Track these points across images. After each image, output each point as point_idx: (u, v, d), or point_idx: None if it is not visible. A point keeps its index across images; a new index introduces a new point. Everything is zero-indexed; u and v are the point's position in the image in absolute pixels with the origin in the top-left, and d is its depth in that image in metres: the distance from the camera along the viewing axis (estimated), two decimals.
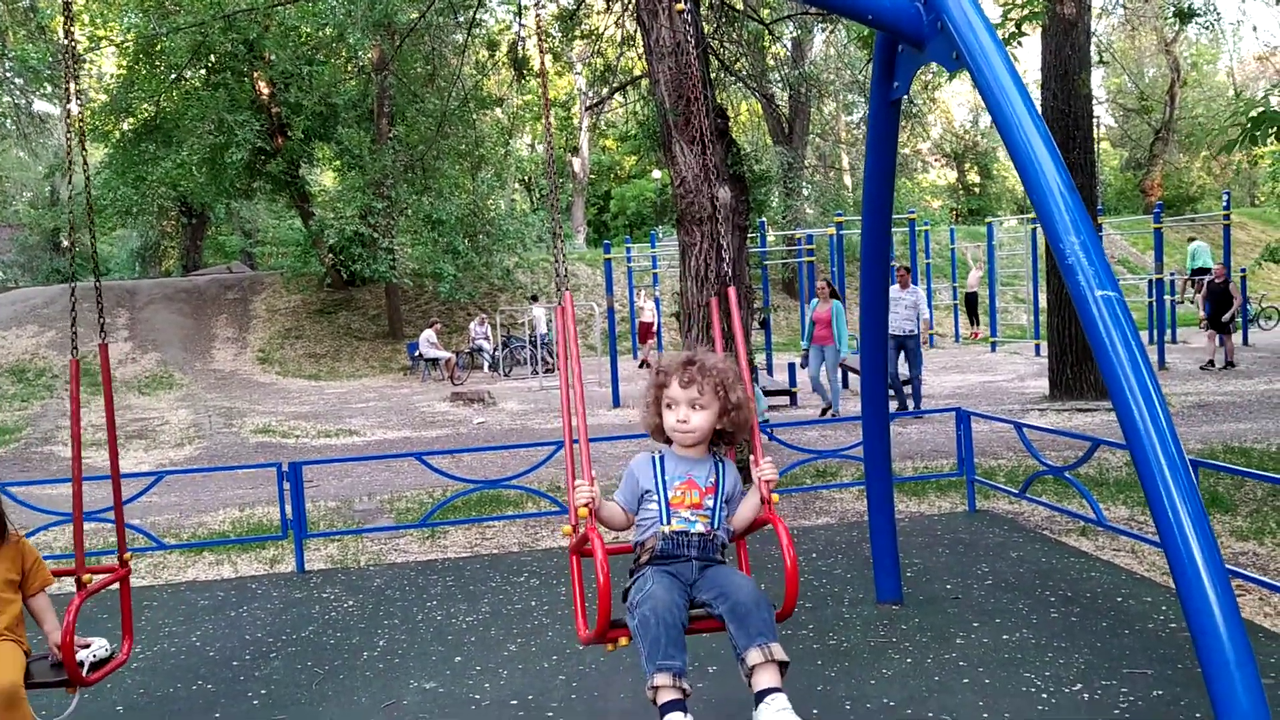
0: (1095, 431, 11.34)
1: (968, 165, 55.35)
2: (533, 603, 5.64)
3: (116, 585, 3.84)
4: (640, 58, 10.66)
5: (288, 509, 6.71)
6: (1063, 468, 6.29)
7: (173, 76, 23.52)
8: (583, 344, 25.61)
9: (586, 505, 2.98)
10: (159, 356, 24.50)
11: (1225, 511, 6.86)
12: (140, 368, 23.90)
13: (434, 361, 22.83)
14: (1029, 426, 6.89)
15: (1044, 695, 4.02)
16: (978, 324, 27.53)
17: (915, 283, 14.17)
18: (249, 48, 23.18)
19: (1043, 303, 19.43)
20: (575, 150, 42.41)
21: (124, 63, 25.61)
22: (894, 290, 12.89)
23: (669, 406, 3.12)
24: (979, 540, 6.40)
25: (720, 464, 3.17)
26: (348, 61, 25.78)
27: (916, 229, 23.78)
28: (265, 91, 24.79)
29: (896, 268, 13.47)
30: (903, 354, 13.51)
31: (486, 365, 24.07)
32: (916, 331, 13.41)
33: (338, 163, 27.16)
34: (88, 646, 3.61)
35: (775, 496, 3.14)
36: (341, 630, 5.38)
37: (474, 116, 22.62)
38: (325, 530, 7.79)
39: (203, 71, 24.94)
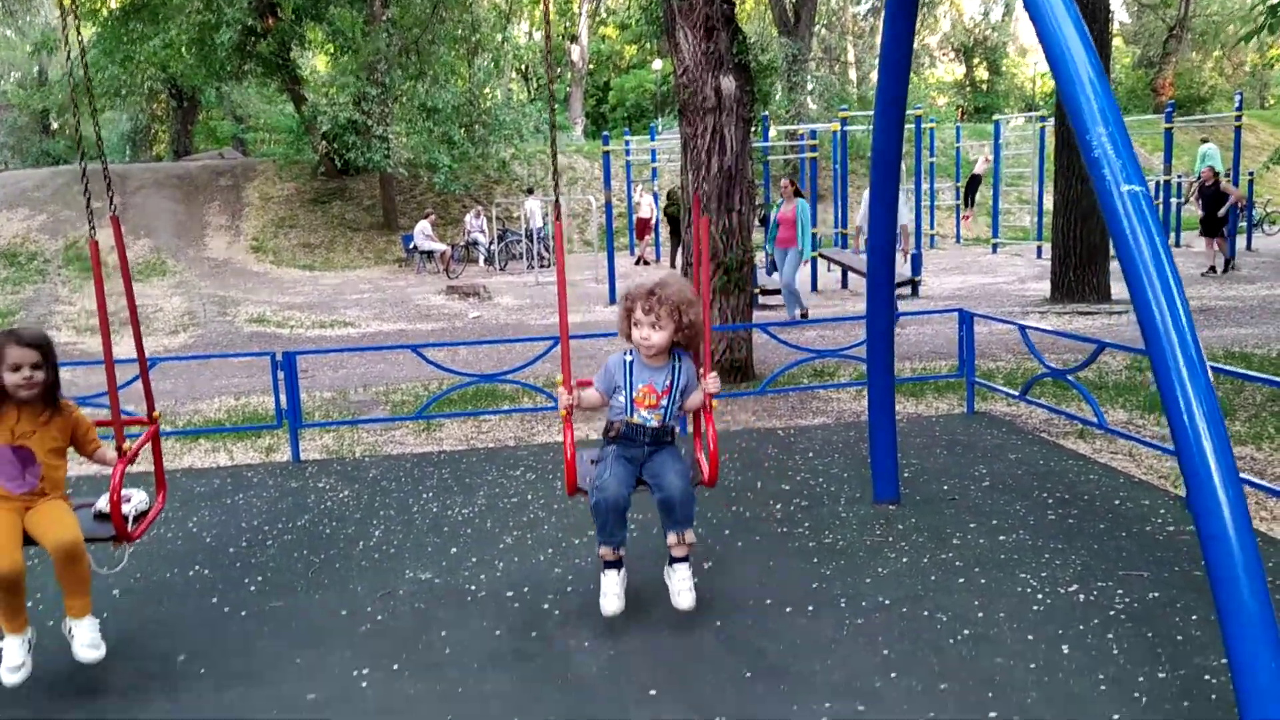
0: (1096, 335, 11.29)
1: (977, 60, 54.19)
2: (529, 496, 5.63)
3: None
4: None
5: (282, 399, 6.66)
6: (1065, 370, 6.23)
7: None
8: (580, 239, 25.37)
9: (566, 410, 3.79)
10: (151, 243, 24.26)
11: (1224, 416, 6.83)
12: (132, 254, 23.63)
13: (429, 254, 22.63)
14: (1032, 328, 6.80)
15: (1039, 596, 4.02)
16: (972, 207, 27.27)
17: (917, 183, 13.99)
18: None
19: (1048, 204, 19.22)
20: (574, 38, 41.45)
21: None
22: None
23: (635, 324, 3.74)
24: (977, 442, 6.38)
25: (678, 363, 3.83)
26: None
27: (922, 126, 23.23)
28: None
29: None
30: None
31: (482, 259, 23.88)
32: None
33: (330, 46, 26.49)
34: (129, 501, 3.85)
35: (715, 403, 3.92)
36: (337, 520, 5.37)
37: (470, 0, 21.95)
38: (321, 420, 7.76)
39: None
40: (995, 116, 26.33)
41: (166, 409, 8.98)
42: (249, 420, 8.11)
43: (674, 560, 3.82)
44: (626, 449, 3.79)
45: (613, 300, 16.37)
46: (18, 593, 3.37)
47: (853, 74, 47.61)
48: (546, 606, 4.14)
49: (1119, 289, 15.39)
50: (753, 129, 10.11)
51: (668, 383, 3.78)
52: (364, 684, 3.54)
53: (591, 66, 46.27)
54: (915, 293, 16.26)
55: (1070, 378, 6.11)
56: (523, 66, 42.19)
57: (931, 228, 26.76)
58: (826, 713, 3.23)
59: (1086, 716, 3.15)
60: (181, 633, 4.03)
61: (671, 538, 3.78)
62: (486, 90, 26.52)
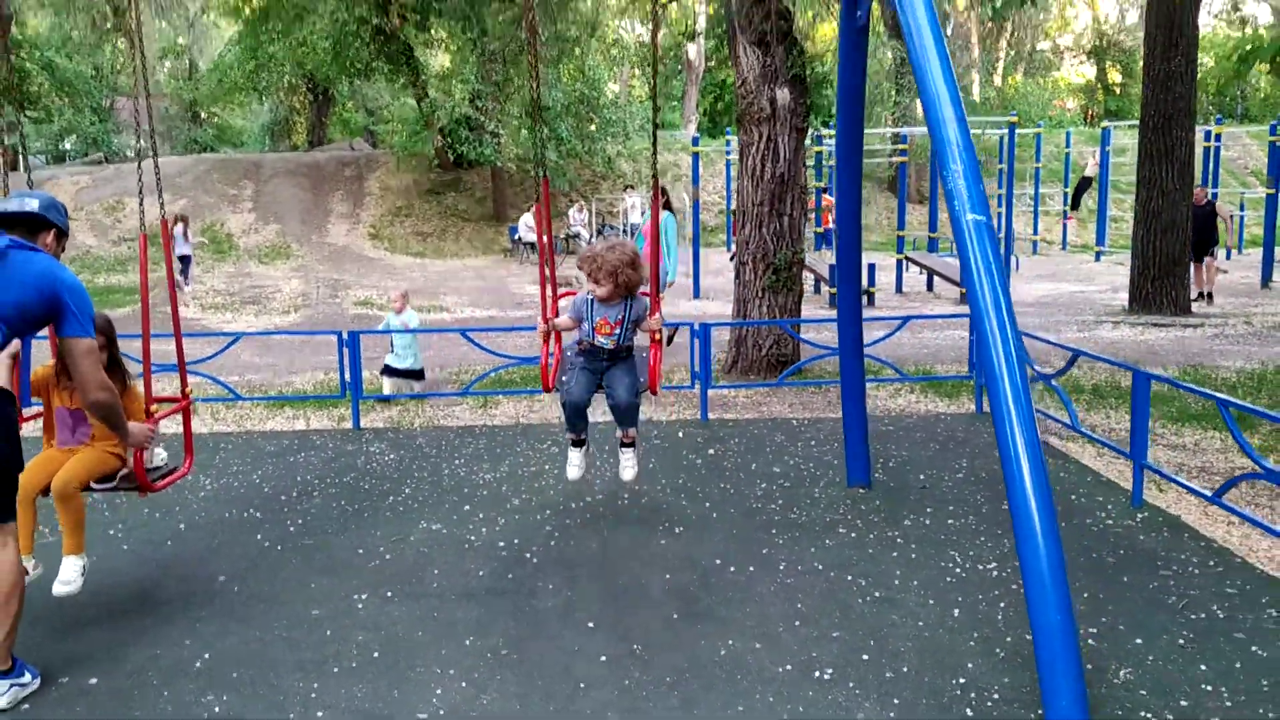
0: (1165, 347, 11.43)
1: (1109, 63, 52.71)
2: (546, 466, 6.32)
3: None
4: None
5: (346, 373, 7.50)
6: (1049, 375, 6.60)
7: None
8: (681, 235, 26.01)
9: (543, 334, 5.00)
10: (279, 228, 25.86)
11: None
12: (261, 238, 25.31)
13: (532, 245, 23.58)
14: (1029, 335, 7.16)
15: (957, 570, 4.52)
16: (1077, 209, 26.86)
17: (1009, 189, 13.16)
18: None
19: None
20: (692, 36, 41.93)
21: None
22: None
23: (589, 279, 4.77)
24: (972, 439, 6.81)
25: (628, 304, 4.81)
26: None
27: (1016, 132, 23.07)
28: None
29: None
30: None
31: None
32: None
33: (452, 44, 27.71)
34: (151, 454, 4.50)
35: (659, 335, 4.87)
36: (377, 478, 6.16)
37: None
38: (381, 394, 8.61)
39: None
40: (1104, 123, 25.88)
41: (266, 380, 9.98)
42: (332, 392, 9.01)
43: (622, 445, 5.05)
44: (589, 361, 4.85)
45: (697, 295, 17.01)
46: (64, 511, 4.05)
47: (975, 75, 46.89)
48: (528, 555, 4.82)
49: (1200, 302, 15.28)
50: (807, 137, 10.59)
51: (619, 316, 4.80)
52: (359, 606, 4.28)
53: (712, 64, 46.70)
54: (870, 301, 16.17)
55: (1053, 382, 6.48)
56: (637, 63, 42.97)
57: (1035, 233, 26.55)
58: (727, 649, 3.82)
59: (946, 662, 3.66)
60: (227, 559, 4.85)
61: (619, 432, 5.03)
62: (595, 89, 27.29)
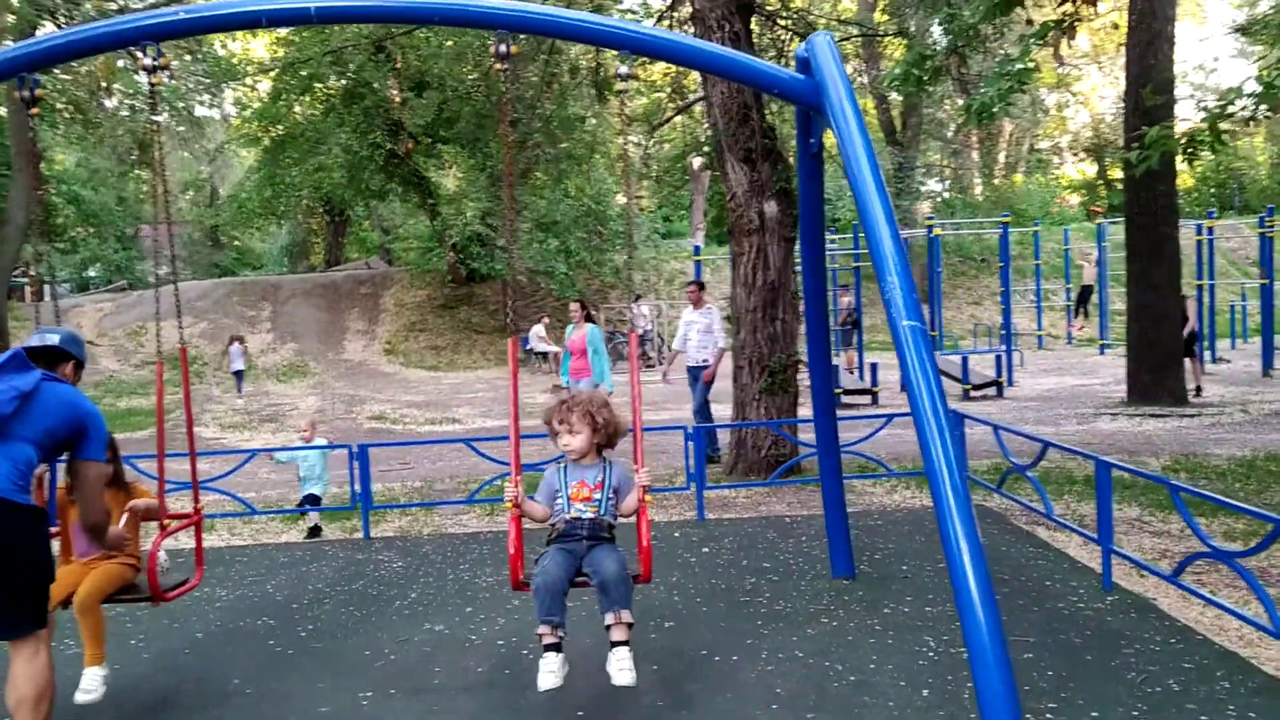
0: (1162, 437, 11.68)
1: (1109, 161, 53.78)
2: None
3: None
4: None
5: (356, 485, 7.85)
6: (1024, 466, 6.89)
7: (305, 85, 25.30)
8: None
9: (512, 500, 4.28)
10: (296, 347, 26.54)
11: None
12: (279, 357, 25.96)
13: (544, 355, 24.11)
14: (1005, 429, 7.47)
15: (929, 654, 4.76)
16: (1086, 317, 27.22)
17: (1005, 285, 13.76)
18: (380, 51, 24.75)
19: None
20: (697, 149, 43.26)
21: (273, 76, 27.75)
22: (687, 313, 11.42)
23: (556, 435, 4.32)
24: None
25: (608, 467, 4.31)
26: (474, 67, 27.30)
27: (1009, 231, 23.64)
28: (396, 98, 26.50)
29: (689, 286, 11.79)
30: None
31: None
32: (710, 362, 10.89)
33: (463, 164, 28.78)
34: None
35: (649, 497, 4.28)
36: (385, 584, 6.45)
37: (582, 123, 23.72)
38: (387, 504, 8.93)
39: (340, 83, 26.80)
40: (1099, 220, 26.49)
41: (279, 494, 10.33)
42: (342, 504, 9.33)
43: (614, 644, 4.06)
44: (566, 543, 4.18)
45: None
46: (85, 624, 4.37)
47: (977, 179, 47.93)
48: (525, 653, 5.09)
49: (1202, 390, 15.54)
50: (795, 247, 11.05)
51: (599, 479, 4.23)
52: (364, 702, 4.55)
53: (716, 174, 48.04)
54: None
55: (1029, 474, 6.76)
56: (650, 175, 44.24)
57: (1039, 328, 26.94)
58: None
59: None
60: (241, 665, 5.12)
61: (609, 617, 4.04)
62: (600, 203, 28.20)
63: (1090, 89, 51.54)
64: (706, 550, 6.91)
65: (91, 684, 4.40)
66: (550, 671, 4.06)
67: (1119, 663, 4.55)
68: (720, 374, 10.78)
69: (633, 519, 4.31)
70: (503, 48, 4.34)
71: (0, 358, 3.83)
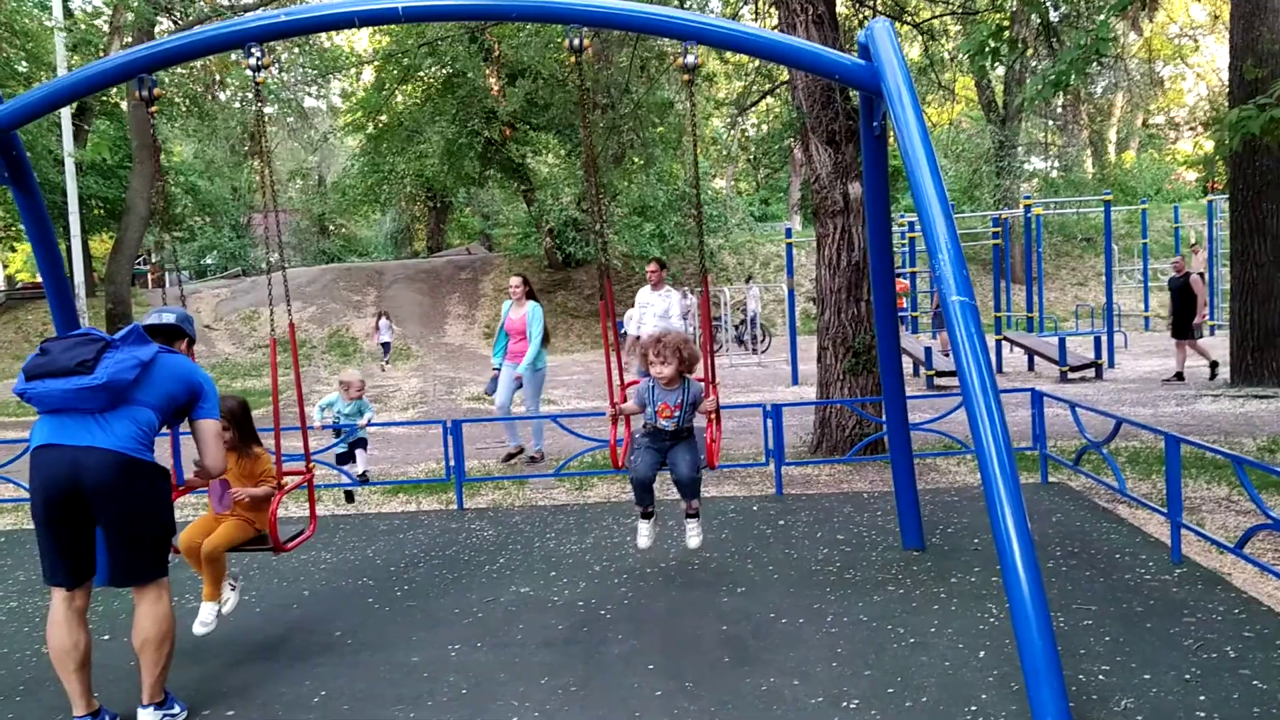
0: (1264, 418, 11.43)
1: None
2: (628, 538, 6.88)
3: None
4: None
5: (450, 459, 8.26)
6: (1099, 442, 6.91)
7: (405, 75, 26.02)
8: (782, 323, 26.60)
9: (613, 411, 5.64)
10: (400, 331, 27.37)
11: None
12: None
13: (639, 337, 24.47)
14: (1082, 407, 7.48)
15: (991, 620, 4.91)
16: (1205, 307, 26.37)
17: (1108, 265, 13.55)
18: (474, 41, 25.33)
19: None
20: (792, 131, 43.06)
21: (375, 66, 28.64)
22: (643, 294, 11.06)
23: (651, 364, 5.43)
24: (1033, 507, 7.12)
25: (686, 387, 5.47)
26: (566, 55, 27.73)
27: (1115, 209, 23.07)
28: (494, 87, 27.08)
29: (649, 266, 11.17)
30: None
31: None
32: None
33: (557, 151, 29.25)
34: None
35: (715, 414, 5.57)
36: (476, 551, 6.84)
37: (671, 107, 23.91)
38: (480, 477, 9.32)
39: (439, 72, 27.52)
40: (1209, 198, 25.64)
41: (383, 470, 10.84)
42: (437, 476, 9.79)
43: (687, 515, 5.72)
44: (654, 441, 5.50)
45: (795, 381, 17.52)
46: (209, 568, 4.99)
47: (1089, 156, 46.60)
48: (603, 612, 5.39)
49: None
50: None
51: (679, 400, 5.44)
52: (452, 653, 4.91)
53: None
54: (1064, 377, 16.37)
55: (1103, 450, 6.79)
56: (750, 156, 44.24)
57: (1145, 309, 26.27)
58: (768, 685, 4.31)
59: (962, 694, 4.08)
60: (342, 619, 5.54)
61: (684, 504, 5.69)
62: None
63: (1209, 60, 49.69)
64: (782, 523, 7.13)
65: (209, 616, 5.05)
66: (644, 535, 5.71)
67: (1178, 630, 4.64)
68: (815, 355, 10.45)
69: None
70: (576, 41, 4.61)
71: (121, 332, 4.24)
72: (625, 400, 5.75)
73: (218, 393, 4.47)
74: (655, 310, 10.81)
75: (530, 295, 10.43)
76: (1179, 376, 15.42)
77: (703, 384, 5.52)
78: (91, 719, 4.12)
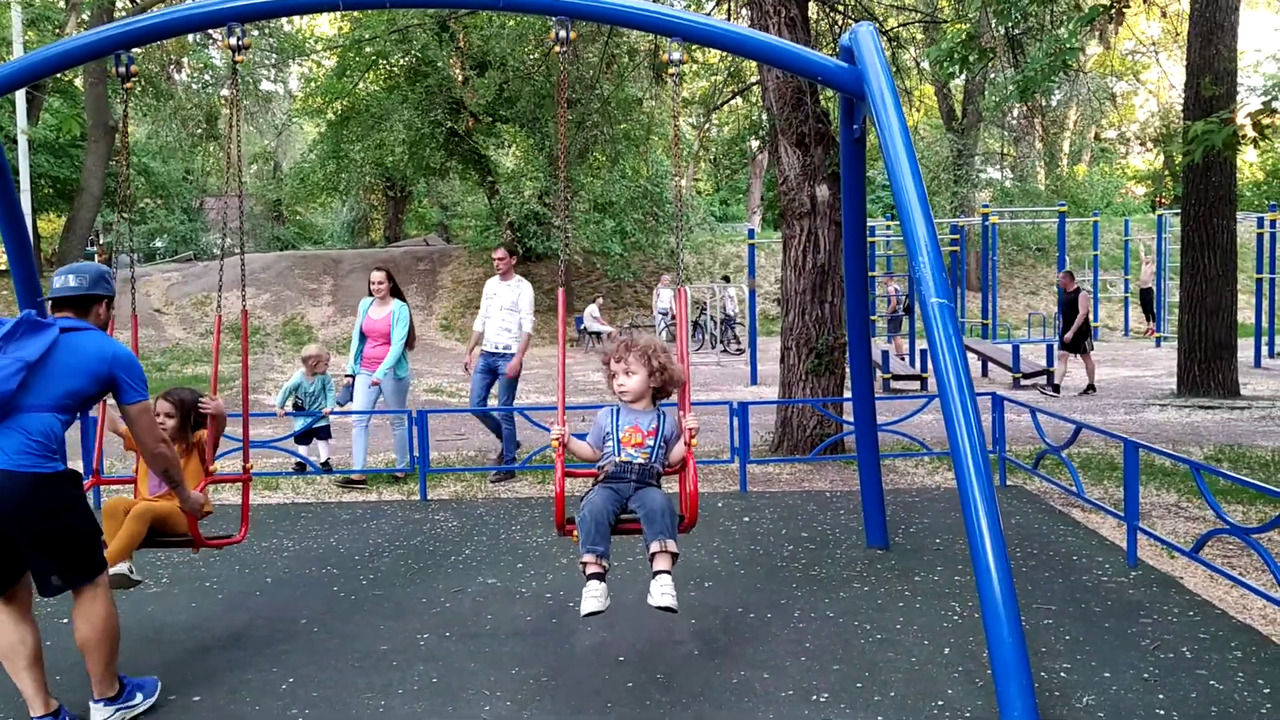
0: (1209, 428, 11.71)
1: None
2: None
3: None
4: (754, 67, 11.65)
5: (414, 449, 8.22)
6: (1059, 447, 7.06)
7: (369, 63, 25.80)
8: (743, 324, 26.74)
9: (557, 439, 4.28)
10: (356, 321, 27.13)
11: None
12: (339, 330, 26.55)
13: (598, 335, 24.45)
14: (1043, 412, 7.64)
15: (953, 617, 5.00)
16: (1152, 320, 26.94)
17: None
18: (444, 30, 25.14)
19: None
20: (756, 133, 43.31)
21: (338, 53, 28.32)
22: (491, 284, 9.76)
23: (612, 377, 4.36)
24: None
25: (661, 415, 4.36)
26: (536, 47, 27.65)
27: (1068, 221, 23.47)
28: (459, 77, 26.90)
29: (496, 253, 9.81)
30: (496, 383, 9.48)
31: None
32: (514, 350, 9.50)
33: (522, 144, 29.13)
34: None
35: (695, 441, 4.34)
36: (440, 542, 6.82)
37: (640, 104, 23.96)
38: (443, 468, 9.29)
39: (405, 60, 27.26)
40: (1159, 212, 26.19)
41: (343, 459, 10.76)
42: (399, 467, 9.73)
43: (656, 573, 3.99)
44: (613, 484, 4.18)
45: (754, 381, 17.62)
46: (130, 525, 4.52)
47: (1041, 168, 47.31)
48: (572, 605, 5.39)
49: (1255, 384, 15.48)
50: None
51: (652, 425, 4.24)
52: (421, 643, 4.90)
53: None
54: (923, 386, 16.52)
55: (1062, 454, 6.93)
56: (710, 156, 44.39)
57: (1096, 320, 26.75)
58: (738, 678, 4.35)
59: (929, 689, 4.16)
60: (307, 606, 5.51)
61: (654, 545, 3.97)
62: (656, 185, 28.45)
63: (1159, 78, 50.67)
64: (747, 520, 7.19)
65: (120, 569, 4.53)
66: (594, 597, 3.97)
67: (1135, 630, 4.76)
68: (776, 356, 10.46)
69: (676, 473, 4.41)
70: (563, 33, 4.62)
71: (6, 325, 3.77)
72: (566, 424, 4.30)
73: (142, 369, 4.07)
74: (502, 302, 9.62)
75: (396, 293, 9.30)
76: (1053, 384, 15.91)
77: (676, 415, 4.40)
78: (51, 719, 3.90)
